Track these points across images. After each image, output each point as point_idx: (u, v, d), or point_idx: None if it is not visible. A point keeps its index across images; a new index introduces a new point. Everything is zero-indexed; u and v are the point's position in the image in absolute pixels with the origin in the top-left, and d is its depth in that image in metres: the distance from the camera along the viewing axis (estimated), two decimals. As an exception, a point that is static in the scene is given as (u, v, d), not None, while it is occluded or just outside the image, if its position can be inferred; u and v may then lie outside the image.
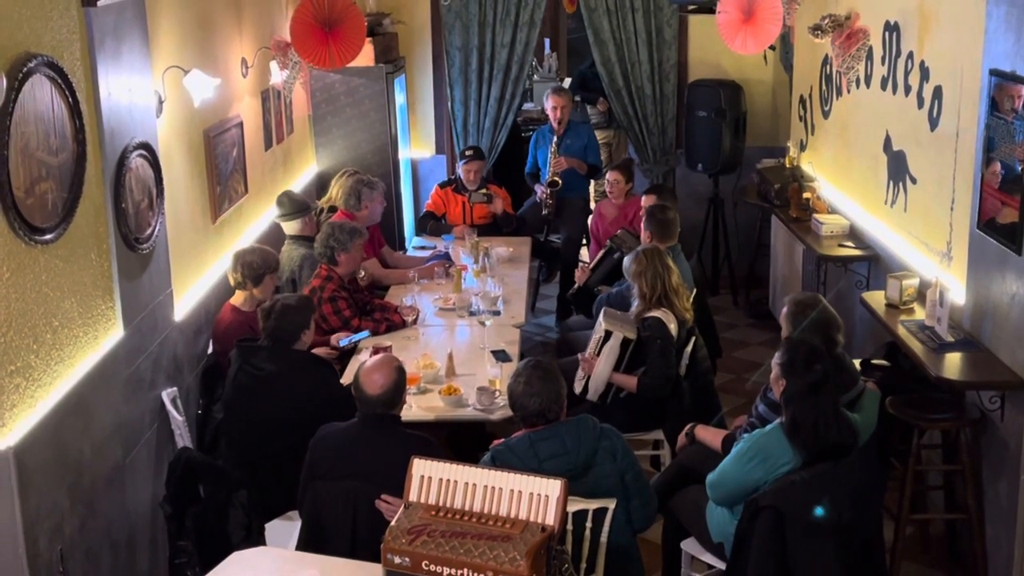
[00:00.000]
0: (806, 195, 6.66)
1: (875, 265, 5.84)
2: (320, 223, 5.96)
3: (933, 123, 5.06)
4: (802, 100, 7.50)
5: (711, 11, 6.68)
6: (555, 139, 7.36)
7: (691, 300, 5.10)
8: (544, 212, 7.47)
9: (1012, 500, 4.12)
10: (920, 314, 4.83)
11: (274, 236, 6.16)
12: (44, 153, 3.41)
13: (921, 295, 4.94)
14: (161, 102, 4.55)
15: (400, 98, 7.86)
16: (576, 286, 6.24)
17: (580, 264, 6.76)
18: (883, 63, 5.75)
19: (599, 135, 8.82)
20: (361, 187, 6.19)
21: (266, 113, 6.34)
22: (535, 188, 7.60)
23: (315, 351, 4.79)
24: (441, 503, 2.96)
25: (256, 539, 4.05)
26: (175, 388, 4.55)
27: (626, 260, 5.03)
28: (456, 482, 2.97)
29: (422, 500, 2.98)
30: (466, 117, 8.11)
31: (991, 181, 4.29)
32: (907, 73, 5.40)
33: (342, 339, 5.06)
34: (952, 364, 4.33)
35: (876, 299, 5.12)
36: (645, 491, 3.63)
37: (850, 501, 3.45)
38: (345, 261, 5.35)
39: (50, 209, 3.46)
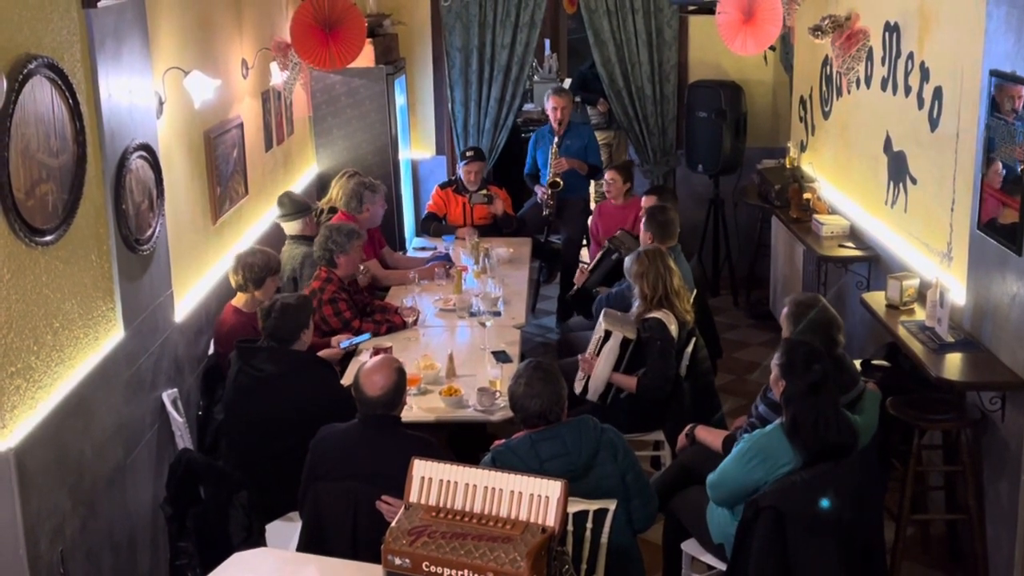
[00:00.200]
0: (806, 196, 6.66)
1: (875, 266, 5.84)
2: (320, 224, 5.96)
3: (933, 124, 5.06)
4: (802, 101, 7.50)
5: (711, 12, 6.68)
6: (556, 140, 7.37)
7: (692, 301, 5.10)
8: (545, 213, 7.47)
9: (1013, 500, 4.12)
10: (920, 315, 4.83)
11: (275, 237, 6.16)
12: (44, 155, 3.42)
13: (921, 296, 4.94)
14: (161, 103, 4.55)
15: (400, 99, 7.87)
16: (575, 288, 6.24)
17: (580, 265, 6.76)
18: (883, 64, 5.75)
19: (599, 136, 8.82)
20: (363, 190, 6.19)
21: (266, 114, 6.35)
22: (535, 189, 7.60)
23: (320, 353, 4.80)
24: (441, 504, 2.97)
25: (257, 540, 4.05)
26: (175, 389, 4.55)
27: (627, 261, 5.03)
28: (456, 483, 2.97)
29: (422, 501, 2.98)
30: (466, 118, 8.11)
31: (991, 182, 4.29)
32: (907, 74, 5.40)
33: (343, 341, 5.06)
34: (952, 365, 4.33)
35: (876, 300, 5.12)
36: (646, 491, 3.63)
37: (851, 501, 3.45)
38: (344, 263, 5.35)
39: (50, 211, 3.46)
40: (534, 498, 2.89)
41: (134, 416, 4.12)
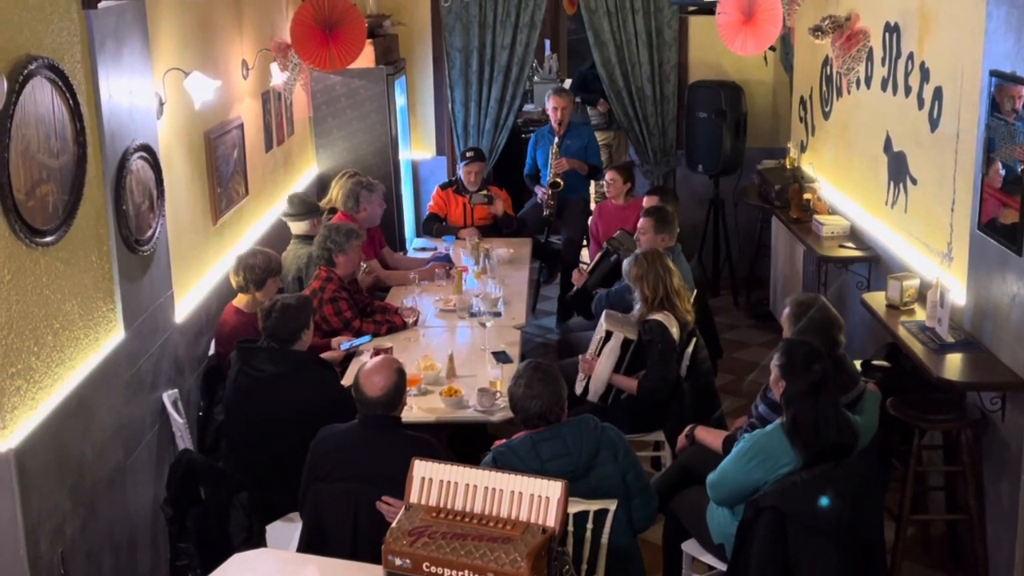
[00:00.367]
0: (807, 196, 6.67)
1: (875, 266, 5.84)
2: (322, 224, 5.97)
3: (933, 124, 5.06)
4: (802, 101, 7.51)
5: (711, 12, 6.68)
6: (556, 140, 7.37)
7: (692, 301, 5.10)
8: (545, 213, 7.47)
9: (1013, 501, 4.12)
10: (921, 315, 4.83)
11: (276, 238, 6.16)
12: (45, 155, 3.42)
13: (922, 296, 4.94)
14: (162, 104, 4.55)
15: (400, 100, 7.87)
16: (574, 288, 6.24)
17: (580, 266, 6.76)
18: (883, 64, 5.76)
19: (599, 136, 8.83)
20: (359, 189, 6.19)
21: (267, 115, 6.35)
22: (535, 189, 7.60)
23: (323, 355, 4.80)
24: (442, 505, 2.97)
25: (257, 541, 4.05)
26: (176, 390, 4.55)
27: (625, 264, 5.02)
28: (457, 484, 2.97)
29: (423, 502, 2.99)
30: (466, 118, 8.11)
31: (992, 182, 4.29)
32: (907, 74, 5.40)
33: (344, 343, 5.06)
34: (953, 365, 4.33)
35: (877, 300, 5.12)
36: (646, 491, 3.63)
37: (851, 502, 3.45)
38: (343, 262, 5.35)
39: (51, 211, 3.46)
40: (534, 498, 2.89)
41: (134, 417, 4.12)
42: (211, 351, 5.07)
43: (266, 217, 6.23)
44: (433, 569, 2.79)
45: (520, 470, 3.14)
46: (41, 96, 3.40)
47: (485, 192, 7.19)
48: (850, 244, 6.02)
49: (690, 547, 4.06)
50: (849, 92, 6.33)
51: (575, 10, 9.86)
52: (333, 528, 3.65)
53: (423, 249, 6.94)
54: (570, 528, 3.41)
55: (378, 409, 3.67)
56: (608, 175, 6.95)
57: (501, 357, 4.91)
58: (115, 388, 3.94)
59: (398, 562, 2.83)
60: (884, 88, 5.75)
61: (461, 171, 7.26)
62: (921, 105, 5.21)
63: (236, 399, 4.34)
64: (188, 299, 4.88)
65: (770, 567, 3.43)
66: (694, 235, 7.96)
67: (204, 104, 4.95)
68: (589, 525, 3.47)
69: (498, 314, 5.48)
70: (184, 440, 4.48)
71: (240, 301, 5.04)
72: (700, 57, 8.09)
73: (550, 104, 7.43)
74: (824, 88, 6.93)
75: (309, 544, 3.69)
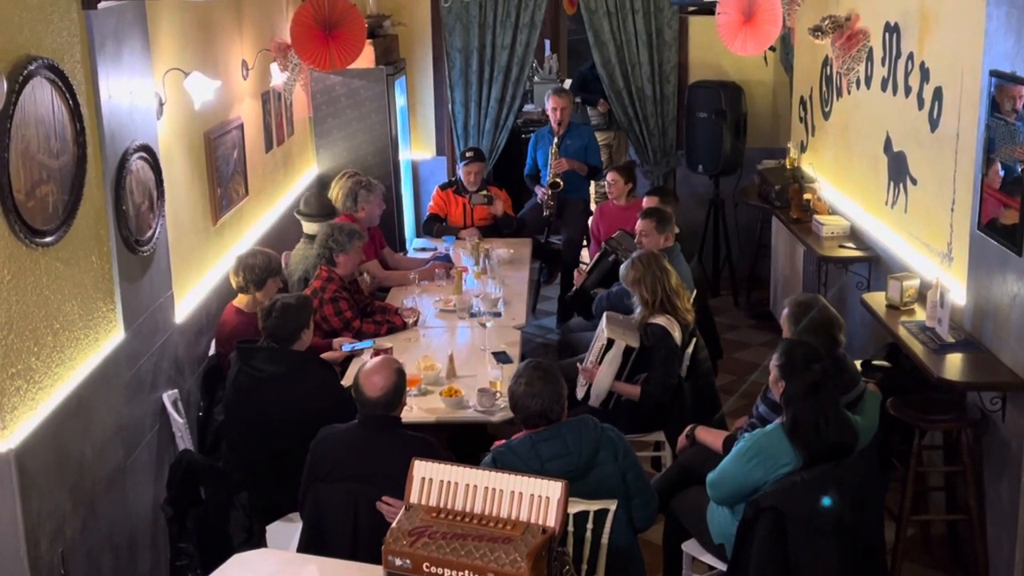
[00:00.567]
0: (807, 196, 6.66)
1: (876, 266, 5.84)
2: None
3: (933, 124, 5.06)
4: (802, 101, 7.51)
5: (711, 12, 6.68)
6: (555, 140, 7.37)
7: (691, 300, 5.10)
8: (545, 213, 7.48)
9: (1013, 501, 4.12)
10: (921, 315, 4.83)
11: (276, 238, 6.16)
12: (45, 156, 3.42)
13: (922, 296, 4.94)
14: (162, 104, 4.55)
15: (400, 100, 7.87)
16: (573, 289, 6.24)
17: (580, 266, 6.76)
18: (883, 64, 5.76)
19: (599, 136, 8.83)
20: (358, 189, 6.19)
21: (266, 115, 6.35)
22: (535, 190, 7.60)
23: (324, 355, 4.80)
24: (442, 505, 2.97)
25: (257, 541, 4.05)
26: (176, 390, 4.55)
27: (622, 269, 4.99)
28: (457, 484, 2.98)
29: (423, 502, 2.99)
30: (466, 119, 8.11)
31: (992, 182, 4.29)
32: (907, 74, 5.40)
33: (345, 344, 5.06)
34: (953, 365, 4.33)
35: (877, 300, 5.12)
36: (646, 490, 3.63)
37: (851, 502, 3.45)
38: (344, 262, 5.35)
39: (51, 212, 3.46)
40: (534, 499, 2.89)
41: (134, 417, 4.12)
42: (211, 351, 5.07)
43: (266, 217, 6.23)
44: (433, 569, 2.79)
45: (520, 470, 3.14)
46: (41, 96, 3.40)
47: (485, 192, 7.19)
48: (850, 244, 6.02)
49: (690, 547, 4.06)
50: (849, 92, 6.33)
51: (575, 10, 9.86)
52: (333, 528, 3.65)
53: (423, 249, 6.94)
54: (570, 528, 3.42)
55: (378, 409, 3.67)
56: (610, 176, 6.95)
57: (501, 357, 4.91)
58: (115, 388, 3.94)
59: (398, 562, 2.83)
60: (884, 88, 5.75)
61: (461, 171, 7.27)
62: (921, 105, 5.21)
63: (236, 399, 4.34)
64: (188, 299, 4.88)
65: (770, 567, 3.44)
66: (694, 235, 7.95)
67: (204, 104, 4.95)
68: (589, 525, 3.47)
69: (498, 314, 5.48)
70: (184, 440, 4.48)
71: (240, 301, 5.04)
72: (700, 57, 8.09)
73: (550, 104, 7.43)
74: (824, 88, 6.93)
75: (309, 544, 3.69)
